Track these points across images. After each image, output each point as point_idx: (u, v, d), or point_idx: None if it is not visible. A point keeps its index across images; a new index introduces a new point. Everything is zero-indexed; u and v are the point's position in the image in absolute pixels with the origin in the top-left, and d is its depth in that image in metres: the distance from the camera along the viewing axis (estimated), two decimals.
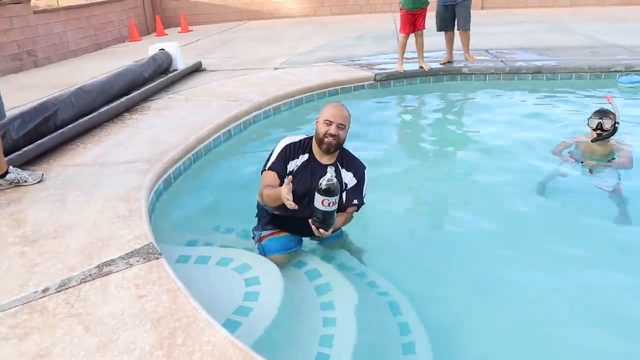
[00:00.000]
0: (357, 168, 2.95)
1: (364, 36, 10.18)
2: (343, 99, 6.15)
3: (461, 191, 4.12)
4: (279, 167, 2.88)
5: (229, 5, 15.52)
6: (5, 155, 3.87)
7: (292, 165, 2.90)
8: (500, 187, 4.03)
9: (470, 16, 6.82)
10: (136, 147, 4.38)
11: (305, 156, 2.91)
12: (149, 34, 14.60)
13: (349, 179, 2.91)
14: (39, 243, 2.94)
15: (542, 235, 3.39)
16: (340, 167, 2.90)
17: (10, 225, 3.21)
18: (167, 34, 13.76)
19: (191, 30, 14.06)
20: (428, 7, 6.62)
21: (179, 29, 14.31)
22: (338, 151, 2.91)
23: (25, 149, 4.27)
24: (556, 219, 3.59)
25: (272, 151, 2.97)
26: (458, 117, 6.02)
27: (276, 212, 2.96)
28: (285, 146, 2.93)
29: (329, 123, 2.78)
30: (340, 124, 2.78)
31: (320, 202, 2.43)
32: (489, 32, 9.47)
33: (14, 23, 9.65)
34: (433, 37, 7.20)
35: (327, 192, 2.39)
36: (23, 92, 6.95)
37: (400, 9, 6.62)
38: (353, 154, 3.01)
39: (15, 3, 9.92)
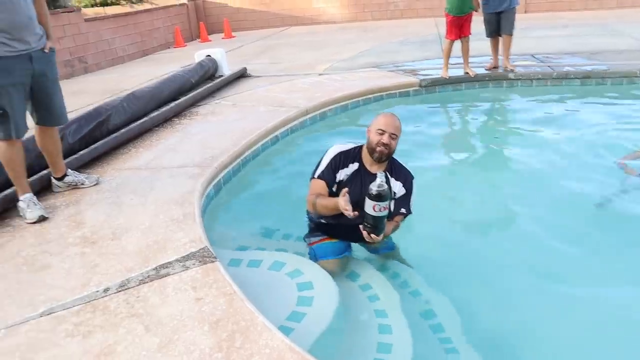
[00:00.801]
0: (407, 178, 2.95)
1: (406, 41, 10.14)
2: (388, 105, 6.16)
3: (512, 201, 4.03)
4: (328, 176, 2.90)
5: (271, 11, 15.69)
6: (63, 158, 4.01)
7: (342, 174, 2.91)
8: (553, 199, 3.93)
9: (515, 21, 6.75)
10: (186, 152, 4.48)
11: (355, 165, 2.92)
12: (193, 40, 14.89)
13: (398, 188, 2.92)
14: (98, 244, 3.04)
15: (599, 254, 3.25)
16: (389, 177, 2.90)
17: (70, 227, 3.33)
18: (210, 40, 14.00)
19: (234, 36, 14.27)
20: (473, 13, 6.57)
21: (223, 35, 14.54)
22: (388, 160, 2.92)
23: (81, 152, 4.42)
24: (615, 239, 3.39)
25: (322, 159, 2.99)
26: (505, 124, 5.94)
27: (326, 220, 2.98)
28: (335, 155, 2.94)
29: (382, 132, 2.79)
30: (393, 134, 2.80)
31: (371, 207, 2.45)
32: (534, 36, 9.31)
33: (66, 31, 9.98)
34: (477, 42, 7.13)
35: (378, 197, 2.42)
36: (75, 98, 7.16)
37: (446, 15, 6.57)
38: (402, 163, 3.02)
39: (68, 12, 10.27)
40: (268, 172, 4.59)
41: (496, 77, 6.77)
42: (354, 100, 6.05)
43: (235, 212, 3.89)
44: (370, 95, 6.20)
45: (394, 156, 2.97)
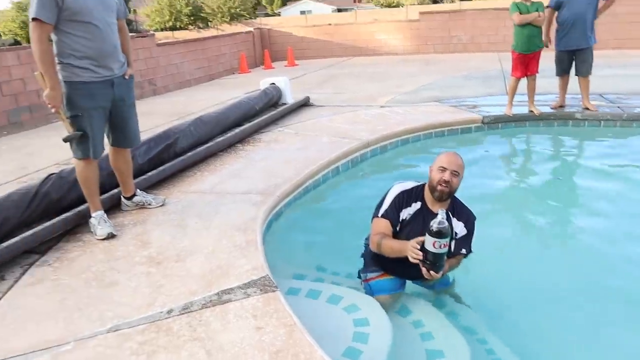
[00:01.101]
0: (469, 218, 2.92)
1: (469, 76, 10.09)
2: (449, 141, 6.13)
3: (573, 244, 3.93)
4: (392, 215, 2.90)
5: (334, 41, 15.97)
6: (133, 178, 4.19)
7: (405, 213, 2.91)
8: (618, 243, 3.81)
9: (592, 62, 6.57)
10: (250, 179, 4.59)
11: (418, 204, 2.91)
12: (257, 66, 15.31)
13: (459, 228, 2.89)
14: (163, 265, 3.15)
15: None
16: (451, 216, 2.88)
17: (137, 245, 3.46)
18: (274, 67, 14.36)
19: (297, 65, 14.58)
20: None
21: (286, 62, 14.88)
22: (449, 200, 2.90)
23: (150, 173, 4.59)
24: None
25: (384, 198, 2.99)
26: (569, 165, 5.78)
27: (385, 257, 2.98)
28: (398, 194, 2.95)
29: (443, 170, 2.78)
30: (454, 171, 2.79)
31: (431, 244, 2.46)
32: (603, 75, 9.03)
33: (139, 54, 10.47)
34: (543, 79, 7.00)
35: (439, 234, 2.43)
36: (144, 118, 7.40)
37: (512, 52, 6.51)
38: (465, 203, 2.99)
39: (142, 36, 10.78)
40: (328, 202, 4.64)
41: (562, 117, 6.63)
42: (415, 134, 6.05)
43: (294, 241, 3.94)
44: (431, 130, 6.18)
45: (456, 196, 2.96)
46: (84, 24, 3.37)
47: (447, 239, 2.48)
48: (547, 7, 6.53)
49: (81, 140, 3.56)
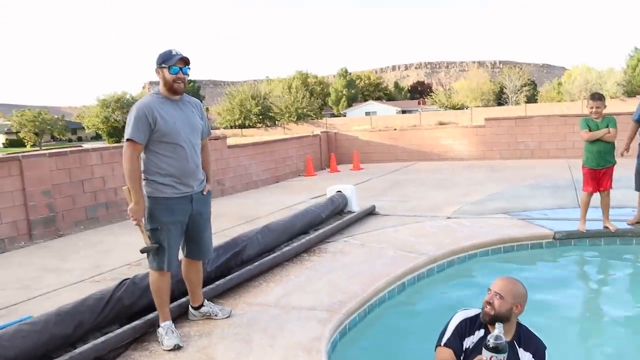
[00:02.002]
0: (537, 348, 2.81)
1: (538, 185, 9.91)
2: (518, 257, 5.95)
3: None
4: (455, 343, 2.83)
5: (399, 145, 16.24)
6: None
7: (468, 342, 2.84)
8: None
9: None
10: (316, 293, 4.58)
11: (481, 332, 2.85)
12: (322, 169, 15.68)
13: (526, 359, 2.77)
14: None
15: None
16: (517, 346, 2.79)
17: None
18: (339, 171, 14.67)
19: (362, 168, 14.84)
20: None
21: (351, 166, 15.18)
22: (515, 327, 2.82)
23: (217, 283, 4.67)
24: None
25: (447, 325, 2.94)
26: None
27: None
28: (461, 322, 2.90)
29: (489, 291, 2.79)
30: (498, 293, 2.75)
31: (488, 359, 2.47)
32: None
33: (210, 156, 10.97)
34: (618, 190, 6.76)
35: (495, 349, 2.45)
36: (212, 221, 7.69)
37: (583, 167, 6.40)
38: (533, 331, 2.88)
39: (215, 139, 11.37)
40: (392, 321, 4.52)
41: None
42: (483, 249, 5.92)
43: None
44: (500, 246, 6.03)
45: (525, 325, 2.87)
46: (171, 144, 3.65)
47: (504, 355, 2.47)
48: (633, 119, 6.50)
49: (157, 253, 3.73)
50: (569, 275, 5.71)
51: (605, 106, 6.26)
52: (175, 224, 3.73)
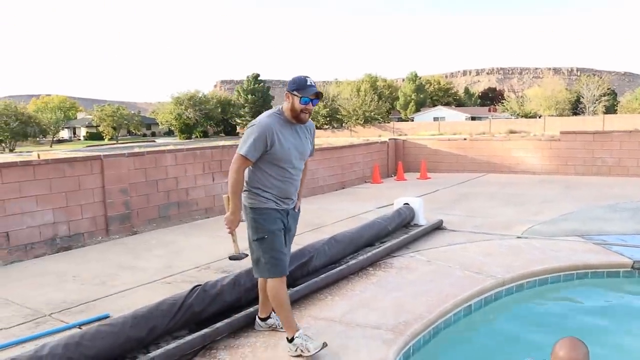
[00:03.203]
0: None
1: (616, 207, 9.44)
2: (592, 285, 5.71)
3: None
4: None
5: (468, 156, 15.91)
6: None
7: None
8: None
9: None
10: (381, 311, 4.57)
11: None
12: (389, 176, 15.59)
13: None
14: None
15: None
16: None
17: None
18: (406, 179, 14.53)
19: (430, 177, 14.65)
20: None
21: (419, 174, 15.01)
22: None
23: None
24: None
25: None
26: None
27: None
28: None
29: None
30: None
31: None
32: None
33: None
34: None
35: None
36: None
37: None
38: None
39: None
40: (457, 345, 4.46)
41: None
42: (554, 275, 5.72)
43: None
44: (573, 272, 5.81)
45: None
46: (280, 168, 3.78)
47: None
48: None
49: (272, 262, 3.79)
50: None
51: None
52: (280, 231, 3.84)
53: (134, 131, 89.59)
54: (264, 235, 3.77)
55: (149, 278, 5.77)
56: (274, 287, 3.83)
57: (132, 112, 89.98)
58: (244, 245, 3.93)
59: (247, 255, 3.89)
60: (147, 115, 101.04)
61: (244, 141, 3.71)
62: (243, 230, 3.88)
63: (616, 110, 75.82)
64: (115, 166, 8.15)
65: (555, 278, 5.72)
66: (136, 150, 9.15)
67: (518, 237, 7.22)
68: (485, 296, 5.12)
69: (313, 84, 3.73)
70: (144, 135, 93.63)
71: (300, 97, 3.68)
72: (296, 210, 4.06)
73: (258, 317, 4.29)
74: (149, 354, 3.68)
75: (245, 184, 3.82)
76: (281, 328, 4.20)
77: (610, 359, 3.00)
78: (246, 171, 3.82)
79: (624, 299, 5.59)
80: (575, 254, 6.26)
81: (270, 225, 3.77)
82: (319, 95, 3.73)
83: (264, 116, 3.80)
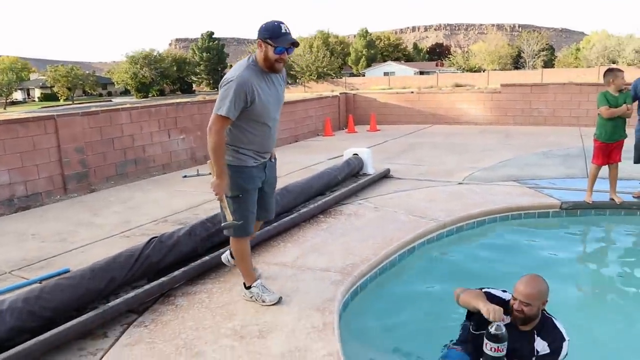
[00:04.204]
0: (555, 338, 2.96)
1: (549, 153, 10.02)
2: (525, 225, 6.16)
3: None
4: (490, 298, 3.08)
5: (415, 108, 16.31)
6: (223, 245, 4.57)
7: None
8: None
9: None
10: (330, 255, 4.85)
11: (507, 319, 3.02)
12: (340, 129, 15.85)
13: (541, 347, 2.95)
14: (246, 340, 3.42)
15: None
16: (535, 334, 2.98)
17: (223, 316, 3.78)
18: (357, 132, 14.83)
19: (379, 130, 15.00)
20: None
21: (368, 127, 15.32)
22: (540, 319, 3.00)
23: None
24: None
25: (491, 288, 3.20)
26: None
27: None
28: (496, 296, 3.12)
29: (515, 298, 2.95)
30: (523, 302, 2.90)
31: (485, 346, 2.76)
32: None
33: None
34: (626, 160, 6.85)
35: (495, 338, 2.73)
36: None
37: (595, 140, 6.50)
38: (557, 323, 3.03)
39: None
40: (401, 283, 4.78)
41: None
42: (491, 217, 6.14)
43: (368, 323, 4.10)
44: (508, 214, 6.24)
45: (551, 316, 3.05)
46: (259, 123, 3.63)
47: (501, 345, 2.74)
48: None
49: (241, 221, 3.77)
50: (573, 245, 5.93)
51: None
52: (255, 190, 3.81)
53: (89, 91, 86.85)
54: (239, 193, 3.73)
55: (107, 233, 5.88)
56: (239, 247, 3.92)
57: (87, 72, 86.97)
58: None
59: (239, 222, 3.76)
60: (102, 75, 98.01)
61: (222, 99, 3.45)
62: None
63: (554, 64, 78.24)
64: (70, 125, 8.11)
65: (491, 219, 6.14)
66: (92, 109, 9.05)
67: (459, 183, 7.63)
68: (428, 238, 5.48)
69: (288, 31, 3.46)
70: (100, 95, 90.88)
71: (275, 47, 3.44)
72: (272, 160, 3.98)
73: (230, 255, 4.36)
74: (108, 304, 3.82)
75: (228, 142, 3.66)
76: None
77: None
78: (226, 132, 3.62)
79: (553, 236, 6.07)
80: (511, 197, 6.70)
81: (247, 184, 3.71)
82: (295, 44, 3.51)
83: (240, 69, 3.51)
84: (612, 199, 6.54)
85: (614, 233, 6.27)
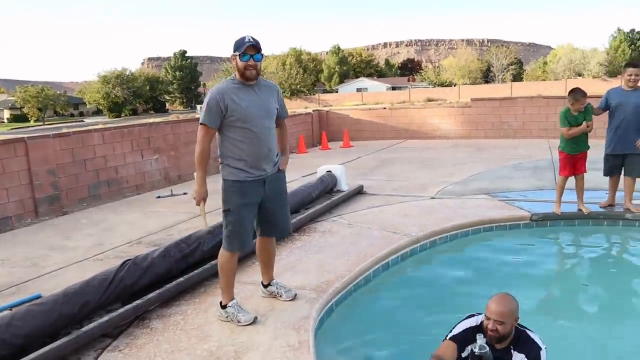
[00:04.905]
0: (531, 349, 3.00)
1: (519, 166, 10.24)
2: (497, 237, 6.28)
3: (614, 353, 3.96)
4: (460, 343, 3.07)
5: (388, 124, 16.52)
6: (199, 264, 4.58)
7: (470, 347, 3.02)
8: None
9: None
10: (305, 273, 4.88)
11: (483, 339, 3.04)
12: (314, 146, 15.94)
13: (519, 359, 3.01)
14: None
15: None
16: (512, 350, 3.02)
17: (199, 337, 3.78)
18: (330, 148, 14.93)
19: (352, 146, 15.13)
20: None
21: (342, 143, 15.44)
22: (514, 334, 3.04)
23: (212, 262, 4.90)
24: None
25: (458, 323, 3.19)
26: (619, 267, 5.80)
27: None
28: (467, 328, 3.12)
29: (488, 319, 3.00)
30: (497, 320, 2.95)
31: None
32: None
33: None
34: (593, 172, 7.04)
35: (479, 358, 2.79)
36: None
37: (560, 152, 6.68)
38: (531, 334, 3.08)
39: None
40: (376, 299, 4.82)
41: (611, 216, 6.66)
42: (463, 230, 6.24)
43: (344, 340, 4.12)
44: (480, 227, 6.35)
45: (525, 328, 3.10)
46: (244, 129, 3.75)
47: None
48: (598, 107, 6.72)
49: (232, 235, 3.88)
50: (543, 255, 6.05)
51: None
52: (247, 206, 3.85)
53: (61, 112, 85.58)
54: (229, 207, 3.83)
55: (80, 256, 5.82)
56: (224, 261, 3.97)
57: (58, 92, 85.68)
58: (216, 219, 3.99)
59: (210, 231, 3.93)
60: (74, 95, 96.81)
61: (201, 110, 3.77)
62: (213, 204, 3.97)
63: (522, 78, 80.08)
64: (41, 148, 8.04)
65: (464, 233, 6.25)
66: (64, 130, 8.99)
67: (432, 198, 7.75)
68: (402, 253, 5.54)
69: (250, 40, 3.67)
70: (72, 115, 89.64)
71: (240, 55, 3.67)
72: (280, 171, 4.04)
73: (262, 283, 4.41)
74: (81, 329, 3.78)
75: (219, 157, 3.84)
76: (280, 296, 4.31)
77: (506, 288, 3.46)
78: (218, 145, 3.83)
79: (524, 247, 6.19)
80: (482, 210, 6.83)
81: (237, 199, 3.80)
82: (257, 49, 3.69)
83: (217, 84, 3.85)
84: (580, 210, 6.70)
85: (582, 243, 6.42)
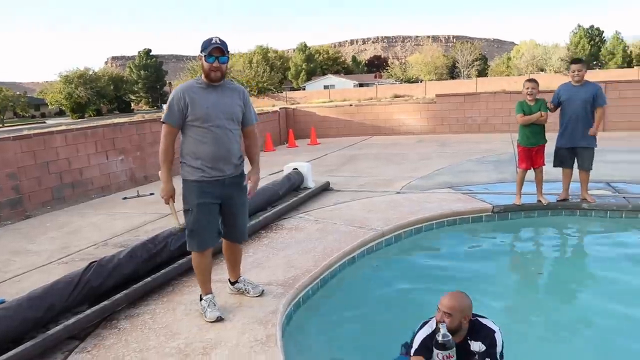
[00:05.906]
0: (487, 335, 3.13)
1: (483, 160, 10.48)
2: (460, 230, 6.44)
3: (574, 338, 4.12)
4: (424, 352, 3.15)
5: (355, 120, 16.66)
6: (164, 265, 4.58)
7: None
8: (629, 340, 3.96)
9: (593, 159, 6.82)
10: (272, 269, 4.94)
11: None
12: (281, 144, 15.99)
13: (477, 347, 3.12)
14: (191, 357, 3.45)
15: None
16: (468, 340, 3.14)
17: (167, 336, 3.80)
18: (297, 146, 15.00)
19: (319, 143, 15.22)
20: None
21: (309, 141, 15.52)
22: (468, 326, 3.15)
23: (180, 261, 4.94)
24: None
25: (414, 337, 3.26)
26: (576, 255, 6.03)
27: None
28: (425, 337, 3.19)
29: (438, 310, 3.12)
30: (446, 312, 3.07)
31: (436, 355, 2.92)
32: (612, 161, 9.25)
33: None
34: (550, 164, 7.25)
35: (443, 347, 2.91)
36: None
37: (518, 145, 6.90)
38: (483, 320, 3.20)
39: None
40: (343, 293, 4.91)
41: (569, 206, 6.89)
42: (427, 223, 6.38)
43: (311, 334, 4.20)
44: (443, 219, 6.50)
45: (478, 317, 3.21)
46: (203, 129, 3.78)
47: (449, 351, 2.92)
48: (551, 102, 6.92)
49: (190, 234, 3.93)
50: (504, 245, 6.26)
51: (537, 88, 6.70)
52: (205, 205, 3.86)
53: (21, 113, 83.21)
54: (188, 207, 3.87)
55: (44, 260, 5.75)
56: (194, 260, 4.06)
57: (18, 92, 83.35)
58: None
59: (183, 229, 3.94)
60: (34, 95, 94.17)
61: (164, 110, 3.84)
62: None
63: (487, 73, 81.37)
64: (1, 151, 7.90)
65: (428, 226, 6.39)
66: (24, 132, 8.83)
67: (397, 193, 7.89)
68: (367, 247, 5.65)
69: (216, 42, 3.71)
70: (33, 116, 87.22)
71: (206, 56, 3.71)
72: (245, 184, 4.10)
73: (229, 280, 4.46)
74: (47, 332, 3.77)
75: (180, 157, 3.89)
76: (247, 293, 4.36)
77: (472, 287, 3.54)
78: (180, 144, 3.88)
79: (486, 238, 6.37)
80: (446, 204, 6.99)
81: (195, 199, 3.82)
82: (223, 52, 3.74)
83: (182, 83, 3.93)
84: (539, 201, 6.92)
85: (541, 232, 6.62)
